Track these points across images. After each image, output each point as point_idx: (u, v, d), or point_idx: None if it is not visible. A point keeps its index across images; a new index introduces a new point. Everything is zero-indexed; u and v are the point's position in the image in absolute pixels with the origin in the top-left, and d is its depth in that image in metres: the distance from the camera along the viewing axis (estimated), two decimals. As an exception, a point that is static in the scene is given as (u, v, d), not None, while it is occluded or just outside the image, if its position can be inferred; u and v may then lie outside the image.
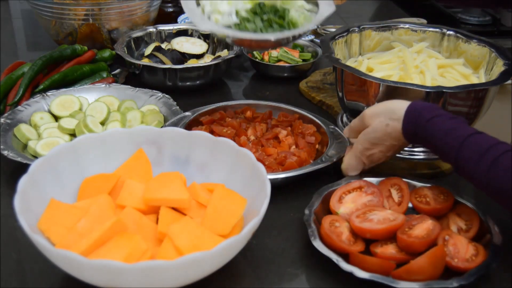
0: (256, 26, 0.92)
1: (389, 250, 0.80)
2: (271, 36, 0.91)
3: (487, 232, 0.82)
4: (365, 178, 0.94)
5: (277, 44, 0.95)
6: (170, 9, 1.66)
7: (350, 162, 0.95)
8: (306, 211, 0.87)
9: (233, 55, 1.33)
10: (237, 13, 0.93)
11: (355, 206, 0.88)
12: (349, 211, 0.87)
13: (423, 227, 0.81)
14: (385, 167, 1.04)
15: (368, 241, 0.83)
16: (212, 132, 1.05)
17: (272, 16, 0.93)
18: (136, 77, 1.32)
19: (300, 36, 0.99)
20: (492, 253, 0.78)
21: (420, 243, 0.78)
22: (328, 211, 0.89)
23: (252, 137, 1.06)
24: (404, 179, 0.93)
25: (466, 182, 1.02)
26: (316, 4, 0.99)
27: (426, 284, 0.74)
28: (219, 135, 1.02)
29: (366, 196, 0.90)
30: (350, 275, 0.76)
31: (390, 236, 0.82)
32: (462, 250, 0.79)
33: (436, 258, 0.76)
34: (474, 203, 0.87)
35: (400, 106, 0.87)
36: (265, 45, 0.97)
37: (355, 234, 0.83)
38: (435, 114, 0.83)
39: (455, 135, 0.80)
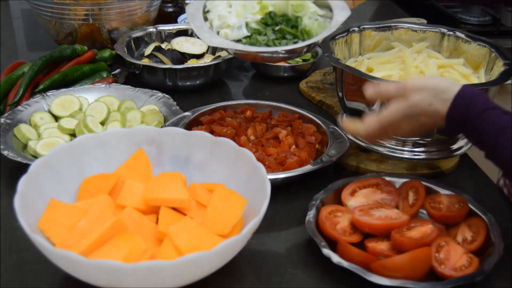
0: (268, 38, 0.87)
1: (381, 246, 0.81)
2: (285, 48, 0.86)
3: (491, 246, 0.81)
4: (387, 178, 0.93)
5: (292, 55, 0.89)
6: (170, 9, 1.67)
7: (372, 129, 0.85)
8: (315, 197, 0.88)
9: (233, 55, 1.33)
10: (247, 25, 0.88)
11: (367, 201, 0.88)
12: (358, 205, 0.87)
13: (421, 230, 0.81)
14: (385, 167, 1.04)
15: (369, 237, 0.83)
16: (212, 132, 1.05)
17: (284, 26, 0.87)
18: (136, 77, 1.32)
19: (315, 45, 0.92)
20: (482, 268, 0.77)
21: (410, 243, 0.78)
22: (340, 203, 0.90)
23: (252, 137, 1.06)
24: (426, 183, 0.92)
25: (466, 182, 1.03)
26: (330, 9, 0.93)
27: (400, 283, 0.74)
28: (219, 135, 1.02)
29: (380, 193, 0.90)
30: (350, 275, 0.77)
31: (388, 234, 0.82)
32: (453, 258, 0.78)
33: (416, 259, 0.76)
34: (488, 216, 0.86)
35: (449, 87, 0.79)
36: (279, 58, 0.90)
37: (355, 227, 0.84)
38: (489, 106, 0.76)
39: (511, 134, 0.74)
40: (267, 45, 0.85)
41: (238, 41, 0.87)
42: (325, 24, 0.88)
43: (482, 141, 0.77)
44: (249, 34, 0.86)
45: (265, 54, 0.84)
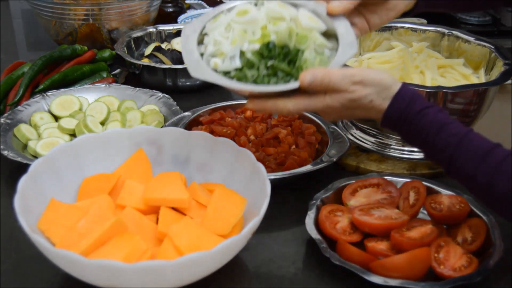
0: (258, 73, 0.78)
1: (380, 246, 0.81)
2: (268, 89, 0.77)
3: (491, 247, 0.81)
4: (388, 178, 0.93)
5: (282, 95, 0.78)
6: (170, 9, 1.67)
7: (301, 108, 0.79)
8: (315, 196, 0.88)
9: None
10: (242, 54, 0.79)
11: (367, 201, 0.89)
12: (359, 205, 0.87)
13: (420, 230, 0.81)
14: (385, 167, 1.04)
15: (369, 237, 0.83)
16: (212, 132, 1.05)
17: (277, 63, 0.78)
18: (136, 77, 1.33)
19: None
20: (481, 268, 0.77)
21: (409, 243, 0.78)
22: (340, 202, 0.90)
23: (252, 137, 1.06)
24: (427, 184, 0.92)
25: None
26: (337, 40, 0.82)
27: (399, 283, 0.74)
28: (219, 135, 1.02)
29: (381, 194, 0.90)
30: (350, 275, 0.77)
31: (388, 234, 0.82)
32: (452, 259, 0.78)
33: (415, 259, 0.76)
34: (489, 217, 0.86)
35: (392, 85, 0.78)
36: (266, 96, 0.79)
37: (356, 226, 0.84)
38: (426, 105, 0.77)
39: (451, 131, 0.75)
40: (255, 81, 0.77)
41: (227, 73, 0.79)
42: (327, 61, 0.80)
43: (420, 140, 0.77)
44: (240, 66, 0.78)
45: (255, 90, 0.77)
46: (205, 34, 0.83)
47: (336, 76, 0.76)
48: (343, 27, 0.82)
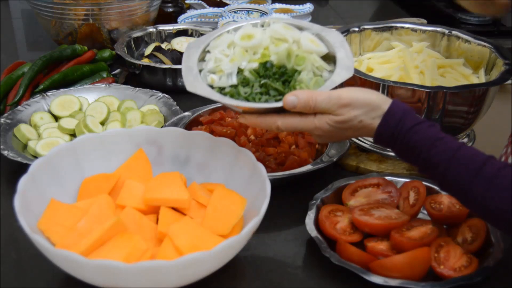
0: (251, 91, 0.79)
1: (380, 246, 0.81)
2: (257, 105, 0.78)
3: (490, 247, 0.81)
4: (388, 177, 0.94)
5: (273, 112, 0.80)
6: (170, 9, 1.67)
7: (290, 126, 0.80)
8: (315, 196, 0.88)
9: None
10: (240, 71, 0.81)
11: (367, 201, 0.89)
12: (359, 205, 0.87)
13: (421, 230, 0.81)
14: (385, 167, 1.04)
15: (369, 237, 0.83)
16: (212, 132, 1.05)
17: (270, 81, 0.79)
18: (136, 77, 1.33)
19: None
20: (481, 268, 0.77)
21: (409, 243, 0.78)
22: (340, 202, 0.90)
23: (252, 137, 1.06)
24: (427, 184, 0.92)
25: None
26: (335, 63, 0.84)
27: (399, 283, 0.74)
28: (219, 135, 1.02)
29: (381, 194, 0.90)
30: (350, 275, 0.77)
31: (388, 234, 0.82)
32: (452, 259, 0.78)
33: (415, 259, 0.76)
34: None
35: (381, 104, 0.78)
36: (257, 113, 0.80)
37: (356, 226, 0.84)
38: (417, 121, 0.76)
39: (442, 147, 0.74)
40: (246, 99, 0.79)
41: (223, 89, 0.81)
42: (323, 82, 0.81)
43: (414, 156, 0.77)
44: (235, 83, 0.80)
45: (244, 106, 0.79)
46: (208, 51, 0.86)
47: (322, 99, 0.77)
48: (343, 52, 0.84)
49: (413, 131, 0.75)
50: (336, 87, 0.79)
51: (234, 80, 0.80)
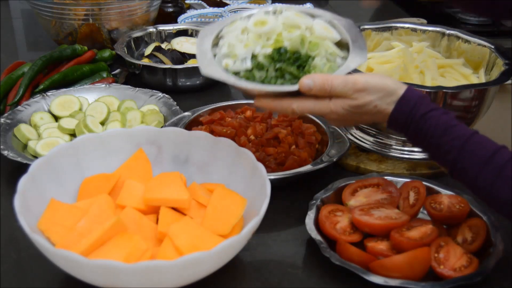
0: (266, 75, 0.80)
1: (380, 246, 0.81)
2: (273, 88, 0.79)
3: (490, 247, 0.81)
4: (388, 178, 0.94)
5: (288, 96, 0.80)
6: (170, 9, 1.67)
7: (305, 109, 0.80)
8: (315, 196, 0.88)
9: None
10: (254, 57, 0.81)
11: (367, 201, 0.89)
12: (359, 205, 0.87)
13: (421, 230, 0.81)
14: (385, 167, 1.04)
15: (369, 237, 0.83)
16: (212, 132, 1.05)
17: (285, 66, 0.80)
18: (136, 77, 1.33)
19: None
20: (481, 268, 0.77)
21: (409, 243, 0.78)
22: (340, 202, 0.90)
23: (252, 137, 1.06)
24: (427, 184, 0.92)
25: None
26: (349, 50, 0.85)
27: (399, 283, 0.74)
28: (219, 135, 1.01)
29: (381, 194, 0.90)
30: (350, 275, 0.77)
31: (388, 234, 0.82)
32: (452, 259, 0.78)
33: (415, 259, 0.76)
34: (489, 217, 0.86)
35: (396, 89, 0.78)
36: (273, 96, 0.81)
37: (356, 226, 0.84)
38: (431, 108, 0.77)
39: (455, 134, 0.75)
40: (262, 82, 0.80)
41: (237, 73, 0.81)
42: (336, 68, 0.81)
43: (426, 142, 0.78)
44: (250, 68, 0.81)
45: (259, 89, 0.79)
46: (221, 37, 0.86)
47: (337, 83, 0.77)
48: (356, 39, 0.85)
49: (427, 117, 0.76)
50: (349, 73, 0.80)
51: (248, 65, 0.81)
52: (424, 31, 1.19)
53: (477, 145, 0.74)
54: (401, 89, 0.79)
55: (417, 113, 0.77)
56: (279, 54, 0.80)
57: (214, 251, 0.68)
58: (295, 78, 0.80)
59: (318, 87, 0.77)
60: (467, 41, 1.13)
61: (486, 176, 0.72)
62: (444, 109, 0.78)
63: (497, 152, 0.73)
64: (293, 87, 0.78)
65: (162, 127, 1.09)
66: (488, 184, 0.72)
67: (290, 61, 0.80)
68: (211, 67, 0.81)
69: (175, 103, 1.18)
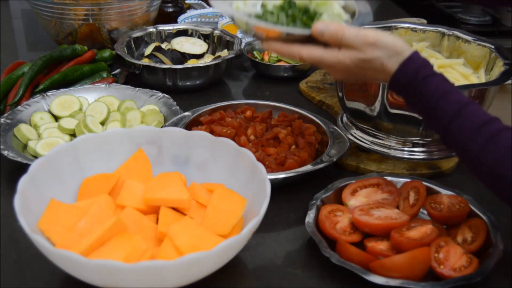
0: (278, 20, 0.82)
1: (380, 246, 0.81)
2: (286, 29, 0.80)
3: (490, 247, 0.81)
4: (388, 178, 0.94)
5: (298, 42, 0.82)
6: (170, 9, 1.67)
7: (314, 56, 0.81)
8: (315, 196, 0.89)
9: (233, 55, 1.33)
10: (263, 6, 0.83)
11: (367, 201, 0.89)
12: (359, 205, 0.87)
13: (421, 230, 0.81)
14: (385, 167, 1.04)
15: (369, 237, 0.83)
16: (212, 132, 1.05)
17: (297, 13, 0.82)
18: (136, 77, 1.32)
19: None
20: (481, 268, 0.77)
21: (409, 243, 0.78)
22: (340, 202, 0.90)
23: (252, 137, 1.06)
24: (427, 184, 0.92)
25: (466, 182, 1.03)
26: (354, 15, 0.89)
27: (399, 283, 0.74)
28: (219, 135, 1.01)
29: (381, 193, 0.90)
30: (350, 275, 0.77)
31: (388, 234, 0.82)
32: (453, 259, 0.78)
33: (415, 259, 0.76)
34: (489, 217, 0.86)
35: (404, 50, 0.79)
36: (282, 41, 0.81)
37: (356, 226, 0.84)
38: (433, 73, 0.78)
39: (452, 99, 0.76)
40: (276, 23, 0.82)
41: (248, 16, 0.83)
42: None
43: (422, 104, 0.78)
44: (261, 13, 0.82)
45: (277, 29, 0.80)
46: None
47: (349, 33, 0.79)
48: (362, 5, 0.88)
49: (429, 80, 0.77)
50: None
51: (258, 9, 0.82)
52: (424, 31, 1.19)
53: (472, 113, 0.74)
54: (408, 51, 0.79)
55: (419, 76, 0.77)
56: (289, 5, 0.82)
57: (214, 251, 0.68)
58: (306, 26, 0.81)
59: (331, 32, 0.78)
60: (467, 41, 1.13)
61: (476, 143, 0.72)
62: (445, 77, 0.78)
63: (491, 121, 0.73)
64: (305, 31, 0.80)
65: (162, 127, 1.09)
66: (477, 150, 0.72)
67: (301, 13, 0.82)
68: (227, 6, 0.83)
69: (175, 103, 1.18)
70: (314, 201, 0.88)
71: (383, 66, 0.79)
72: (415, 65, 0.78)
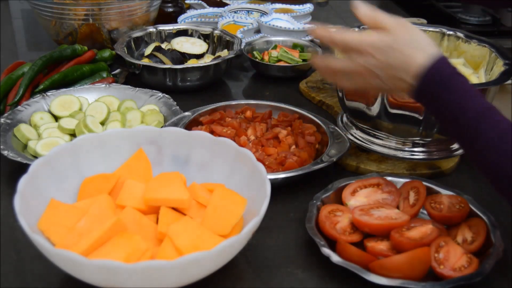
0: None
1: (380, 246, 0.81)
2: None
3: (490, 247, 0.81)
4: (388, 178, 0.94)
5: None
6: (170, 9, 1.66)
7: (324, 67, 0.82)
8: (315, 196, 0.88)
9: (233, 55, 1.33)
10: None
11: (367, 201, 0.89)
12: (359, 205, 0.87)
13: (421, 230, 0.81)
14: (385, 167, 1.04)
15: (369, 237, 0.83)
16: (212, 132, 1.05)
17: None
18: (136, 77, 1.32)
19: None
20: (481, 268, 0.77)
21: (409, 243, 0.78)
22: (340, 202, 0.90)
23: (252, 137, 1.06)
24: (427, 184, 0.92)
25: (466, 182, 1.03)
26: None
27: (399, 283, 0.74)
28: (219, 135, 1.02)
29: (381, 193, 0.90)
30: (350, 275, 0.77)
31: (388, 234, 0.82)
32: (453, 259, 0.78)
33: (415, 259, 0.76)
34: (489, 217, 0.86)
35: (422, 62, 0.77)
36: None
37: (356, 226, 0.84)
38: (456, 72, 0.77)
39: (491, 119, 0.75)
40: None
41: None
42: None
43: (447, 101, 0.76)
44: None
45: None
46: None
47: (352, 39, 0.78)
48: None
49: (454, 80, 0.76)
50: None
51: None
52: (424, 31, 1.18)
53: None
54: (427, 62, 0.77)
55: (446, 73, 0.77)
56: None
57: (214, 251, 0.68)
58: None
59: (337, 41, 0.79)
60: (467, 41, 1.13)
61: (483, 135, 0.73)
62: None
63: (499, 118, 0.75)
64: None
65: (162, 127, 1.09)
66: (484, 141, 0.72)
67: None
68: None
69: (175, 103, 1.17)
70: (314, 201, 0.88)
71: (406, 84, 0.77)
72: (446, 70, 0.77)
